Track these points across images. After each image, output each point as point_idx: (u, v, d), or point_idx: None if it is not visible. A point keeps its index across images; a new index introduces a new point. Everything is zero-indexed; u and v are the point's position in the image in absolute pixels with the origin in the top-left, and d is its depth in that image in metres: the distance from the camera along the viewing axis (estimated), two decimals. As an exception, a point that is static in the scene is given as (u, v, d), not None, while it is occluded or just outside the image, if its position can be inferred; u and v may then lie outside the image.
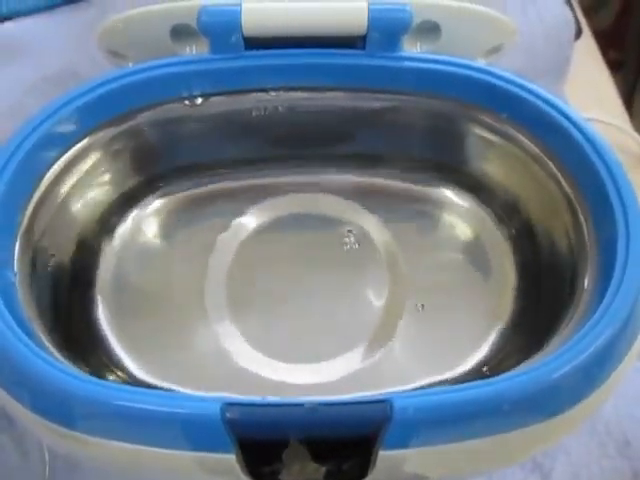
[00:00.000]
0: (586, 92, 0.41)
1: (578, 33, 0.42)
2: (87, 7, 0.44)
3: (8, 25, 0.44)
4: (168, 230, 0.28)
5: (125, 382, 0.24)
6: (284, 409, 0.18)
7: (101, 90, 0.25)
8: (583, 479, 0.28)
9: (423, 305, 0.26)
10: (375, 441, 0.18)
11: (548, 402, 0.19)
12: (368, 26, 0.25)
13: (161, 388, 0.24)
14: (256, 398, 0.18)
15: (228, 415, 0.18)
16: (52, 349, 0.21)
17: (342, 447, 0.19)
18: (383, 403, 0.18)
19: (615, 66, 0.47)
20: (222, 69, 0.26)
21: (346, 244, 0.28)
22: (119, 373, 0.24)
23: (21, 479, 0.28)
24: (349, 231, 0.28)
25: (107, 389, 0.19)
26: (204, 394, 0.22)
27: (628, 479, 0.29)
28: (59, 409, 0.19)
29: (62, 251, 0.26)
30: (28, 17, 0.45)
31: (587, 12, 0.47)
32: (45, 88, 0.40)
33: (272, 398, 0.18)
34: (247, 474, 0.19)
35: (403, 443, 0.18)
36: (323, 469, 0.19)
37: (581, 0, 0.47)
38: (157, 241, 0.28)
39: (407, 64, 0.26)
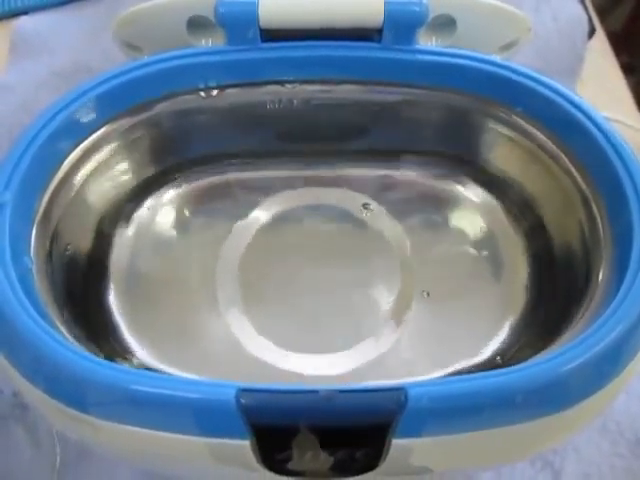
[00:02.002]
0: (600, 93, 0.41)
1: (591, 32, 0.42)
2: (99, 1, 0.45)
3: (24, 19, 0.44)
4: (183, 220, 0.29)
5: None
6: (299, 396, 0.18)
7: (118, 80, 0.25)
8: (594, 478, 0.28)
9: (428, 293, 0.26)
10: (388, 429, 0.18)
11: (559, 394, 0.19)
12: (384, 19, 0.25)
13: (173, 375, 0.24)
14: (271, 385, 0.18)
15: (243, 401, 0.18)
16: (67, 334, 0.22)
17: (355, 436, 0.19)
18: (398, 391, 0.18)
19: (627, 70, 0.47)
20: (238, 61, 0.26)
21: (363, 213, 0.28)
22: (131, 360, 0.24)
23: (33, 468, 0.28)
24: (365, 205, 0.28)
25: (121, 373, 0.19)
26: (218, 380, 0.22)
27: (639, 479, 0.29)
28: (73, 392, 0.19)
29: (78, 238, 0.26)
30: (42, 12, 0.45)
31: (599, 15, 0.47)
32: (58, 83, 0.41)
33: (287, 385, 0.18)
34: (261, 461, 0.19)
35: (416, 432, 0.18)
36: (332, 458, 0.19)
37: (593, 3, 0.47)
38: (172, 231, 0.28)
39: (422, 57, 0.26)
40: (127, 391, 0.19)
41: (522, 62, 0.28)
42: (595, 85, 0.42)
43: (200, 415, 0.18)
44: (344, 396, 0.18)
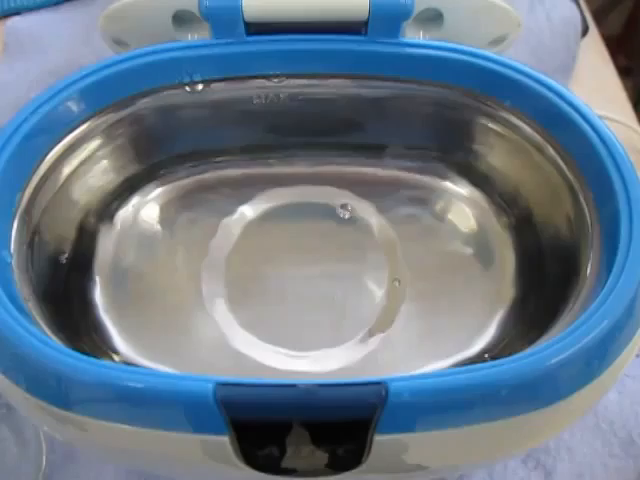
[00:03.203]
0: (595, 92, 0.41)
1: (585, 30, 0.42)
2: (91, 2, 0.45)
3: (16, 20, 0.44)
4: (168, 217, 0.28)
5: (119, 365, 0.24)
6: (278, 390, 0.18)
7: (100, 75, 0.25)
8: (586, 478, 0.28)
9: (400, 280, 0.26)
10: (370, 424, 0.18)
11: (546, 388, 0.19)
12: (369, 11, 0.25)
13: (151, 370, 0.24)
14: (250, 379, 0.18)
15: (220, 394, 0.17)
16: (47, 330, 0.21)
17: (337, 431, 0.18)
18: (378, 385, 0.18)
19: (623, 72, 0.47)
20: (223, 54, 0.26)
21: (341, 214, 0.28)
22: (114, 357, 0.24)
23: (19, 469, 0.28)
24: (343, 206, 0.28)
25: (100, 368, 0.19)
26: (197, 374, 0.22)
27: (632, 478, 0.28)
28: (54, 389, 0.19)
29: (62, 234, 0.26)
30: (35, 12, 0.45)
31: (596, 18, 0.47)
32: (50, 81, 0.40)
33: (266, 379, 0.18)
34: (240, 457, 0.18)
35: (399, 427, 0.18)
36: (326, 456, 0.18)
37: (590, 6, 0.47)
38: (157, 227, 0.28)
39: (408, 50, 0.26)
40: (106, 386, 0.18)
41: (515, 60, 0.28)
42: (590, 85, 0.41)
43: (179, 409, 0.18)
44: (323, 390, 0.17)
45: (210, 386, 0.17)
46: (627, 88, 0.44)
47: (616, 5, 0.77)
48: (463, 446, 0.19)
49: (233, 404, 0.17)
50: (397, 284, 0.26)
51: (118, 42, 0.29)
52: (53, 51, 0.42)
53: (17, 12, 0.45)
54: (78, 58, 0.41)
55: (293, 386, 0.17)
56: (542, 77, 0.24)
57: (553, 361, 0.18)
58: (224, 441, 0.18)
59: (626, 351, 0.20)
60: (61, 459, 0.28)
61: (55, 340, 0.21)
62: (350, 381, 0.18)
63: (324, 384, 0.18)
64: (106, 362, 0.22)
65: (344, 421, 0.18)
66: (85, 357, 0.19)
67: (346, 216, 0.28)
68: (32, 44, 0.43)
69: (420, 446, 0.19)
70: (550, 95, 0.24)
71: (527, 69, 0.25)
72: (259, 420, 0.18)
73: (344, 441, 0.18)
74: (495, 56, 0.25)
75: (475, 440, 0.19)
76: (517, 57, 0.29)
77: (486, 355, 0.24)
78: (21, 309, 0.21)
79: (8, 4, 0.45)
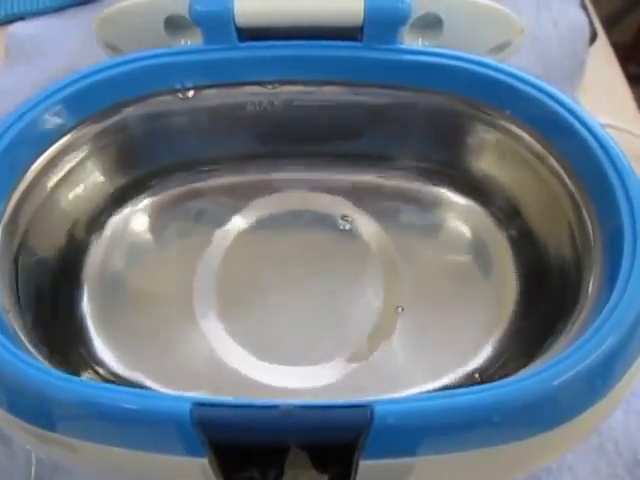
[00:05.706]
0: (603, 101, 0.40)
1: (593, 37, 0.41)
2: (96, 7, 0.44)
3: (19, 25, 0.44)
4: (159, 227, 0.28)
5: (105, 380, 0.23)
6: (257, 411, 0.17)
7: (88, 81, 0.24)
8: (590, 499, 0.27)
9: (403, 308, 0.25)
10: (355, 448, 0.17)
11: (545, 413, 0.18)
12: (365, 16, 0.24)
13: (141, 386, 0.23)
14: (229, 398, 0.17)
15: (197, 415, 0.17)
16: (28, 342, 0.21)
17: (322, 456, 0.18)
18: (363, 408, 0.17)
19: (633, 80, 0.46)
20: (214, 60, 0.25)
21: (340, 225, 0.27)
22: (99, 370, 0.23)
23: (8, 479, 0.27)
24: (344, 217, 0.27)
25: (76, 385, 0.18)
26: (177, 393, 0.21)
27: (638, 501, 0.27)
28: (31, 408, 0.18)
29: (49, 245, 0.25)
30: (39, 17, 0.45)
31: (606, 26, 0.46)
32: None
33: (246, 399, 0.17)
34: (221, 478, 0.18)
35: (385, 452, 0.17)
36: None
37: (600, 13, 0.46)
38: (148, 238, 0.28)
39: (405, 57, 0.25)
40: (83, 406, 0.18)
41: (522, 67, 0.27)
42: (599, 93, 0.41)
43: (156, 430, 0.17)
44: (305, 412, 0.17)
45: (187, 406, 0.17)
46: (637, 97, 0.43)
47: (628, 13, 0.76)
48: (457, 472, 0.18)
49: (211, 425, 0.17)
50: (394, 299, 0.25)
51: (111, 47, 0.28)
52: (56, 56, 0.42)
53: (21, 17, 0.45)
54: (81, 64, 0.41)
55: (274, 407, 0.17)
56: (543, 85, 0.24)
57: (555, 382, 0.17)
58: (204, 463, 0.17)
59: (631, 370, 0.19)
60: (50, 470, 0.27)
61: (35, 352, 0.20)
62: (334, 403, 0.17)
63: (306, 406, 0.17)
64: (83, 380, 0.22)
65: (328, 445, 0.17)
66: (62, 375, 0.19)
67: (346, 227, 0.27)
68: (35, 49, 0.43)
69: (408, 472, 0.18)
70: (551, 103, 0.23)
71: (527, 77, 0.24)
72: (239, 442, 0.17)
73: (329, 466, 0.18)
74: (495, 63, 0.25)
75: (469, 466, 0.18)
76: (523, 64, 0.28)
77: (476, 375, 0.23)
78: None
79: (12, 9, 0.45)
